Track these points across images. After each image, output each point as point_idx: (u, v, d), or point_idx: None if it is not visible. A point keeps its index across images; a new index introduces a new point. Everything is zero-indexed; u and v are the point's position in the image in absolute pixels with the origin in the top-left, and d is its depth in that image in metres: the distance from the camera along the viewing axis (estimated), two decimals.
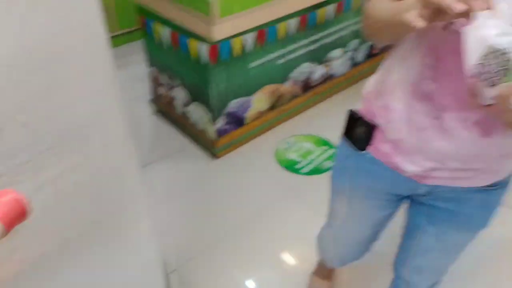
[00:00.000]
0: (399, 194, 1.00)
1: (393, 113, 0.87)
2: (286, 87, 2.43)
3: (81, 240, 1.00)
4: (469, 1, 0.55)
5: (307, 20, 2.27)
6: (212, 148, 2.30)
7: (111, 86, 1.09)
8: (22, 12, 0.70)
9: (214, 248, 1.86)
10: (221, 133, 2.25)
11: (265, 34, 2.11)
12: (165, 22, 2.12)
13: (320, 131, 2.43)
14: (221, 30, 1.84)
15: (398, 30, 0.72)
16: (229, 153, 2.35)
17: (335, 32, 2.47)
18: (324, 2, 2.26)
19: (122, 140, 1.27)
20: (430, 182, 0.90)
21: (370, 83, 0.96)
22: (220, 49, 1.97)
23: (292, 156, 2.33)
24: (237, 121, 2.30)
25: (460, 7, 0.55)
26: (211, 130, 2.23)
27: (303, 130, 2.49)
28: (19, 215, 0.59)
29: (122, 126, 1.23)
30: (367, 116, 0.94)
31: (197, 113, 2.29)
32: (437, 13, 0.59)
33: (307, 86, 2.56)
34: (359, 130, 0.96)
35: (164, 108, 2.58)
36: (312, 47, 2.41)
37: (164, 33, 2.18)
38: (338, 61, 2.64)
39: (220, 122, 2.21)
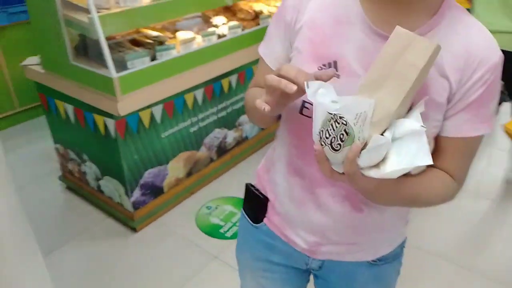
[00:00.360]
0: (298, 268, 0.98)
1: (278, 187, 0.90)
2: (201, 153, 2.47)
3: None
4: (296, 79, 0.62)
5: (213, 90, 2.37)
6: (130, 221, 2.22)
7: None
8: None
9: None
10: (138, 205, 2.19)
11: (173, 105, 2.16)
12: (68, 99, 2.08)
13: (240, 193, 2.44)
14: (125, 105, 1.85)
15: (259, 115, 0.78)
16: (149, 224, 2.28)
17: (241, 99, 2.60)
18: (226, 73, 2.39)
19: (15, 224, 1.18)
20: (320, 257, 0.91)
21: (263, 158, 1.00)
22: (128, 122, 1.96)
23: (215, 220, 2.32)
24: (154, 191, 2.26)
25: (293, 87, 0.61)
26: (127, 203, 2.16)
27: (222, 193, 2.51)
28: None
29: (15, 209, 1.15)
30: (261, 190, 0.97)
31: (110, 187, 2.22)
32: (283, 96, 0.65)
33: (222, 150, 2.62)
34: (254, 203, 0.98)
35: (75, 184, 2.46)
36: (222, 114, 2.50)
37: (68, 110, 2.13)
38: (248, 125, 2.76)
39: (136, 194, 2.16)
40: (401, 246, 0.95)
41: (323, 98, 0.59)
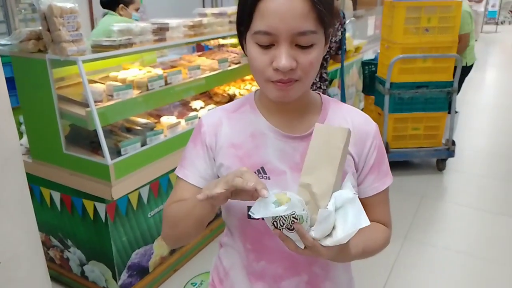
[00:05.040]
0: None
1: None
2: None
3: None
4: (256, 185, 0.69)
5: None
6: None
7: None
8: None
9: None
10: (125, 287, 2.18)
11: (159, 185, 2.27)
12: (55, 186, 2.14)
13: None
14: (119, 190, 1.94)
15: (192, 221, 0.82)
16: None
17: None
18: None
19: None
20: None
21: (211, 271, 1.03)
22: (118, 206, 2.04)
23: None
24: (140, 271, 2.27)
25: (251, 184, 0.68)
26: (115, 287, 2.15)
27: (205, 268, 2.55)
28: None
29: None
30: None
31: (96, 271, 2.21)
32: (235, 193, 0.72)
33: None
34: None
35: (57, 271, 2.41)
36: None
37: (54, 197, 2.17)
38: None
39: (124, 277, 2.17)
40: None
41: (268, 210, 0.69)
